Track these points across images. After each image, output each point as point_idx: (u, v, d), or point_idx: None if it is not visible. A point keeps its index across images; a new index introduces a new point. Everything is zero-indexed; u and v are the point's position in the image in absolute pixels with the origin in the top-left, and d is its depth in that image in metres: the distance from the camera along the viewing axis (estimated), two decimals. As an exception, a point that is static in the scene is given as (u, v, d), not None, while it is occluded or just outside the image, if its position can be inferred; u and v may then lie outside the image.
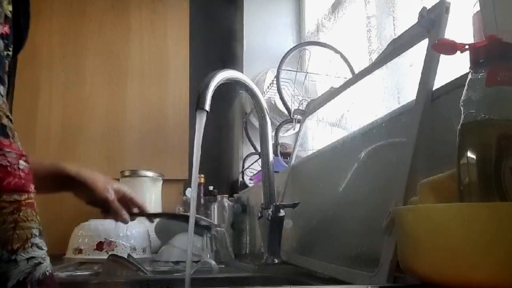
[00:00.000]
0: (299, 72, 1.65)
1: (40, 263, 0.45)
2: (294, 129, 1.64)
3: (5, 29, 0.55)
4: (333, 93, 1.06)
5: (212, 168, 2.01)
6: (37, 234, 0.46)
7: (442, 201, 0.48)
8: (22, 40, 0.68)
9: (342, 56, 1.54)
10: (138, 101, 2.14)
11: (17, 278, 0.43)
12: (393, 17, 1.22)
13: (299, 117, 1.32)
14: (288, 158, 1.36)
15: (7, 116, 0.48)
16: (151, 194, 1.82)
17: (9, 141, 0.46)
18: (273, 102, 1.73)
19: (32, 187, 0.47)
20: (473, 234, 0.40)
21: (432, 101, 0.64)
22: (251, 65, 1.96)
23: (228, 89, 2.07)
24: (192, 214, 0.72)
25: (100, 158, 1.98)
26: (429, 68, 0.64)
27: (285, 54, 1.64)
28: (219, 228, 1.32)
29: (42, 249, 0.46)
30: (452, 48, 0.49)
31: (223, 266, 1.17)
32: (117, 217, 0.91)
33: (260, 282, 0.88)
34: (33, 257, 0.45)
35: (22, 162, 0.46)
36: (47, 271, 0.46)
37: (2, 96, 0.49)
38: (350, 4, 1.54)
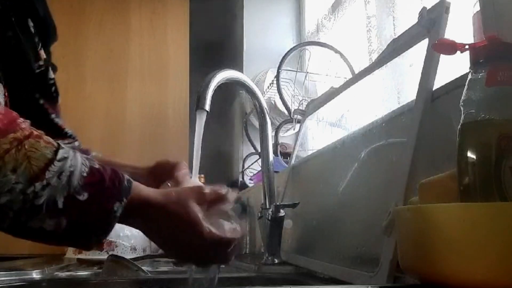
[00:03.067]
0: (299, 72, 1.65)
1: (71, 172, 0.46)
2: (294, 129, 1.64)
3: None
4: (333, 93, 1.06)
5: (212, 168, 2.01)
6: (53, 153, 0.47)
7: (442, 201, 0.48)
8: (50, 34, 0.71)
9: (342, 56, 1.54)
10: (138, 101, 2.14)
11: (63, 195, 0.46)
12: (393, 17, 1.22)
13: (299, 117, 1.32)
14: (288, 158, 1.36)
15: None
16: (151, 194, 1.82)
17: None
18: (273, 102, 1.73)
19: (20, 125, 0.47)
20: (473, 234, 0.40)
21: (432, 101, 0.64)
22: (251, 65, 1.96)
23: (228, 89, 2.07)
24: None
25: (100, 158, 1.97)
26: (429, 68, 0.64)
27: (285, 54, 1.64)
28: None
29: (65, 158, 0.47)
30: (452, 48, 0.49)
31: (223, 266, 1.17)
32: None
33: (260, 282, 0.88)
34: (61, 171, 0.46)
35: None
36: (83, 172, 0.48)
37: None
38: (350, 4, 1.54)
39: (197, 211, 0.54)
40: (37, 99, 0.71)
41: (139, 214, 0.52)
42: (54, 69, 0.72)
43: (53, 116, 0.74)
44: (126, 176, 0.51)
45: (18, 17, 0.64)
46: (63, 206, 0.46)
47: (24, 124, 0.48)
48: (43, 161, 0.46)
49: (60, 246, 0.50)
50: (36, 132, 0.48)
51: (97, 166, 0.50)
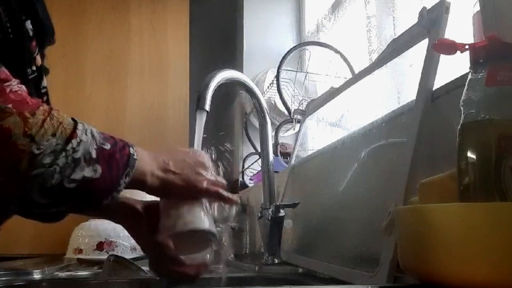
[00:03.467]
0: (299, 72, 1.65)
1: (91, 130, 0.57)
2: (294, 129, 1.64)
3: None
4: (333, 93, 1.06)
5: (212, 168, 2.01)
6: (72, 118, 0.57)
7: (442, 201, 0.48)
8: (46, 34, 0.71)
9: (342, 56, 1.54)
10: (138, 101, 2.14)
11: (94, 147, 0.56)
12: (393, 17, 1.22)
13: (299, 117, 1.32)
14: (288, 158, 1.36)
15: None
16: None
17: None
18: (273, 102, 1.72)
19: (40, 101, 0.58)
20: (473, 234, 0.40)
21: (432, 101, 0.64)
22: (251, 65, 1.96)
23: (228, 89, 2.07)
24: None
25: (100, 158, 1.97)
26: (429, 68, 0.64)
27: (285, 54, 1.64)
28: (219, 228, 1.32)
29: (81, 122, 0.57)
30: (452, 48, 0.49)
31: (223, 266, 1.17)
32: None
33: (260, 282, 0.88)
34: (86, 129, 0.56)
35: (22, 86, 0.56)
36: (97, 131, 0.58)
37: None
38: (350, 4, 1.54)
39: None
40: None
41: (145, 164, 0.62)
42: (46, 72, 0.74)
43: None
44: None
45: (14, 19, 0.64)
46: (96, 155, 0.55)
47: (40, 101, 0.58)
48: (71, 124, 0.56)
49: (98, 200, 0.58)
50: (50, 106, 0.57)
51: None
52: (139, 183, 0.61)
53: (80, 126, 0.56)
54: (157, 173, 0.63)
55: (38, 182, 0.52)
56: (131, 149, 0.60)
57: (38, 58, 0.70)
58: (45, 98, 0.72)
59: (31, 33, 0.67)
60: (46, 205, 0.55)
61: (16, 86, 0.54)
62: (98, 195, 0.57)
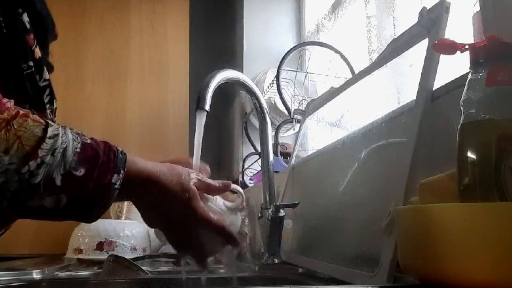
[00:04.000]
0: (299, 72, 1.65)
1: (64, 148, 0.46)
2: (294, 129, 1.64)
3: None
4: (333, 93, 1.06)
5: (212, 168, 2.01)
6: (42, 131, 0.46)
7: (442, 201, 0.48)
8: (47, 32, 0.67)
9: (342, 56, 1.54)
10: (138, 101, 2.14)
11: (59, 173, 0.45)
12: (393, 17, 1.22)
13: (299, 117, 1.32)
14: (288, 158, 1.36)
15: None
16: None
17: None
18: (273, 102, 1.72)
19: (5, 105, 0.47)
20: (473, 234, 0.40)
21: (432, 101, 0.64)
22: (251, 65, 1.96)
23: (228, 89, 2.07)
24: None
25: (100, 158, 1.97)
26: (429, 68, 0.64)
27: (285, 54, 1.64)
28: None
29: (55, 136, 0.46)
30: (452, 48, 0.49)
31: (223, 266, 1.17)
32: None
33: (260, 282, 0.88)
34: (54, 149, 0.46)
35: None
36: (76, 148, 0.47)
37: None
38: (350, 4, 1.54)
39: (193, 191, 0.56)
40: (20, 102, 0.68)
41: (136, 185, 0.52)
42: (51, 69, 0.68)
43: None
44: (119, 148, 0.52)
45: (8, 12, 0.59)
46: (61, 183, 0.45)
47: (9, 103, 0.47)
48: (33, 139, 0.45)
49: (62, 221, 0.50)
50: (22, 111, 0.47)
51: (88, 141, 0.50)
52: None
53: (46, 144, 0.45)
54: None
55: None
56: (115, 176, 0.48)
57: (37, 51, 0.64)
58: (47, 91, 0.65)
59: (28, 26, 0.61)
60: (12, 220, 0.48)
61: None
62: (63, 219, 0.50)
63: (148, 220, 0.59)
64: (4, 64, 0.56)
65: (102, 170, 0.48)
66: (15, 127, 0.45)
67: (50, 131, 0.47)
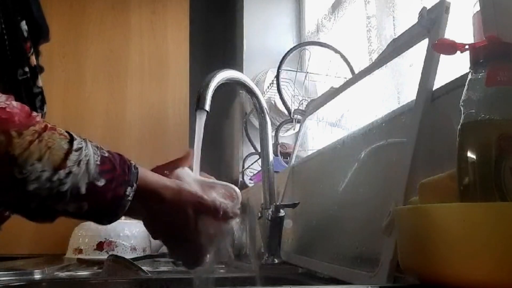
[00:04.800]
0: (299, 72, 1.64)
1: (88, 160, 0.51)
2: (294, 129, 1.64)
3: None
4: (333, 93, 1.06)
5: (212, 168, 2.01)
6: (68, 144, 0.50)
7: (442, 201, 0.48)
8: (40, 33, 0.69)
9: (342, 56, 1.54)
10: (138, 101, 2.14)
11: (84, 182, 0.50)
12: (393, 17, 1.22)
13: (299, 117, 1.32)
14: (288, 158, 1.36)
15: None
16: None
17: None
18: (273, 102, 1.72)
19: (36, 118, 0.51)
20: (473, 234, 0.40)
21: (432, 101, 0.64)
22: (251, 65, 1.96)
23: (228, 89, 2.07)
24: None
25: (100, 158, 1.97)
26: (429, 68, 0.64)
27: (285, 54, 1.64)
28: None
29: (80, 148, 0.51)
30: (452, 48, 0.49)
31: (223, 266, 1.17)
32: None
33: (260, 282, 0.88)
34: (80, 160, 0.50)
35: (12, 102, 0.50)
36: (96, 160, 0.52)
37: None
38: (350, 4, 1.54)
39: (194, 212, 0.59)
40: None
41: (144, 199, 0.56)
42: (41, 71, 0.70)
43: None
44: (132, 162, 0.56)
45: (9, 20, 0.62)
46: (85, 191, 0.50)
47: (38, 117, 0.51)
48: (62, 151, 0.49)
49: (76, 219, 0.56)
50: (49, 124, 0.51)
51: (106, 154, 0.54)
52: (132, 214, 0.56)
53: (73, 155, 0.50)
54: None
55: (15, 204, 0.49)
56: (128, 189, 0.53)
57: (33, 58, 0.67)
58: (39, 98, 0.69)
59: (25, 34, 0.64)
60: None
61: (3, 102, 0.49)
62: (76, 218, 0.55)
63: (151, 231, 0.63)
64: (2, 69, 0.59)
65: (118, 182, 0.53)
66: (46, 138, 0.49)
67: (75, 144, 0.51)
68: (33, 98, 0.67)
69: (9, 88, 0.61)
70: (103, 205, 0.52)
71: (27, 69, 0.65)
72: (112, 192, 0.52)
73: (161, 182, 0.58)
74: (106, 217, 0.54)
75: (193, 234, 0.60)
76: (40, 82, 0.69)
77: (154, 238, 0.64)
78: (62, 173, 0.48)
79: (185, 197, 0.58)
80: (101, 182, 0.51)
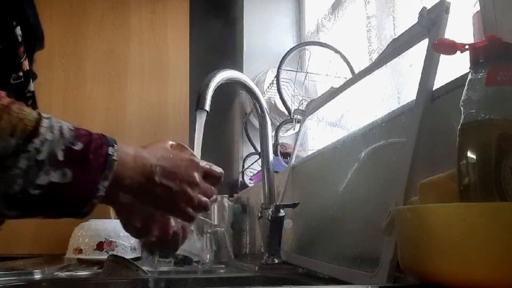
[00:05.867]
0: (299, 72, 1.65)
1: (60, 126, 0.50)
2: (294, 129, 1.64)
3: None
4: (333, 93, 1.06)
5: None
6: (37, 113, 0.50)
7: (442, 201, 0.48)
8: (36, 40, 0.69)
9: (342, 56, 1.54)
10: (138, 101, 2.14)
11: (60, 148, 0.49)
12: (393, 17, 1.22)
13: (299, 117, 1.32)
14: (288, 158, 1.36)
15: None
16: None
17: None
18: (273, 102, 1.72)
19: (1, 93, 0.50)
20: (473, 234, 0.40)
21: (432, 101, 0.64)
22: (251, 65, 1.96)
23: (228, 89, 2.07)
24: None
25: (100, 158, 1.97)
26: (429, 68, 0.64)
27: (285, 54, 1.64)
28: (219, 228, 1.32)
29: (49, 117, 0.50)
30: (452, 48, 0.49)
31: (223, 266, 1.17)
32: None
33: (260, 282, 0.88)
34: (52, 126, 0.49)
35: None
36: (69, 126, 0.51)
37: None
38: (350, 4, 1.54)
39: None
40: None
41: (128, 167, 0.55)
42: (34, 78, 0.70)
43: None
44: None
45: (4, 25, 0.62)
46: (63, 158, 0.49)
47: (2, 93, 0.50)
48: (33, 120, 0.48)
49: (73, 208, 0.52)
50: (13, 100, 0.50)
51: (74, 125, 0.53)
52: (117, 186, 0.54)
53: (45, 122, 0.49)
54: (138, 179, 0.56)
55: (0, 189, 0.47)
56: (110, 148, 0.52)
57: (26, 63, 0.67)
58: (30, 102, 0.68)
59: (20, 39, 0.64)
60: (17, 216, 0.50)
61: None
62: (73, 203, 0.51)
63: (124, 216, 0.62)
64: None
65: (97, 143, 0.52)
66: (16, 110, 0.48)
67: (43, 114, 0.50)
68: (25, 102, 0.66)
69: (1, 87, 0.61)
70: (87, 169, 0.50)
71: (21, 73, 0.65)
72: (93, 153, 0.51)
73: (138, 148, 0.58)
74: (96, 182, 0.51)
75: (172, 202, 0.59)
76: (32, 87, 0.69)
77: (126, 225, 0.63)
78: (36, 141, 0.48)
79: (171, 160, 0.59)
80: (78, 146, 0.50)
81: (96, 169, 0.51)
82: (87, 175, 0.50)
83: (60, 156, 0.49)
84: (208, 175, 0.62)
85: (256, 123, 1.77)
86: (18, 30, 0.64)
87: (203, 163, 0.62)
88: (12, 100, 0.49)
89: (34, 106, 0.69)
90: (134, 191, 0.57)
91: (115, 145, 0.54)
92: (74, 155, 0.50)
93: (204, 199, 0.61)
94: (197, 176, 0.60)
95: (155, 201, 0.59)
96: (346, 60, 1.53)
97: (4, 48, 0.62)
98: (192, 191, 0.59)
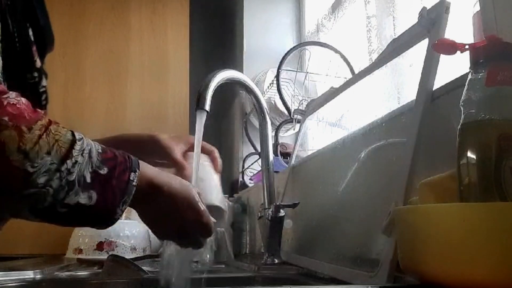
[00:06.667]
0: (299, 72, 1.65)
1: (90, 150, 0.54)
2: (294, 129, 1.64)
3: None
4: (333, 93, 1.06)
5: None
6: (71, 135, 0.53)
7: (442, 201, 0.48)
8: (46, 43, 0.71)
9: (342, 56, 1.54)
10: (138, 101, 2.14)
11: (88, 171, 0.52)
12: (393, 17, 1.22)
13: (299, 117, 1.32)
14: (288, 158, 1.36)
15: None
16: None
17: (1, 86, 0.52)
18: (273, 102, 1.72)
19: (41, 113, 0.54)
20: (473, 234, 0.40)
21: (432, 101, 0.64)
22: (251, 65, 1.96)
23: (228, 89, 2.07)
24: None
25: (100, 158, 1.97)
26: (429, 68, 0.64)
27: (285, 54, 1.64)
28: (219, 228, 1.32)
29: (81, 139, 0.54)
30: (452, 48, 0.49)
31: (223, 266, 1.17)
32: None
33: (260, 282, 0.88)
34: (83, 149, 0.53)
35: (21, 98, 0.52)
36: (98, 149, 0.54)
37: None
38: (350, 4, 1.54)
39: (202, 211, 0.63)
40: None
41: (145, 192, 0.58)
42: (46, 77, 0.73)
43: None
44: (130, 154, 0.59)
45: (19, 28, 0.64)
46: (90, 180, 0.52)
47: (42, 112, 0.54)
48: (67, 142, 0.52)
49: (95, 223, 0.58)
50: (51, 119, 0.54)
51: (103, 145, 0.57)
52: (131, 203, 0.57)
53: (77, 146, 0.52)
54: (147, 191, 0.58)
55: (29, 202, 0.50)
56: (132, 174, 0.56)
57: (38, 61, 0.69)
58: (43, 96, 0.72)
59: (32, 38, 0.67)
60: (37, 221, 0.53)
61: (14, 99, 0.51)
62: (92, 222, 0.56)
63: (153, 228, 0.65)
64: (12, 74, 0.62)
65: (121, 169, 0.55)
66: (53, 131, 0.52)
67: (77, 135, 0.54)
68: (39, 97, 0.70)
69: (18, 87, 0.63)
70: (110, 193, 0.54)
71: (35, 73, 0.68)
72: (116, 179, 0.54)
73: (164, 174, 0.61)
74: (117, 205, 0.55)
75: (198, 213, 0.62)
76: (44, 82, 0.72)
77: (155, 232, 0.66)
78: (69, 163, 0.51)
79: (189, 192, 0.62)
80: (103, 170, 0.53)
81: (117, 194, 0.54)
82: (108, 199, 0.54)
83: (88, 178, 0.52)
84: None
85: (256, 123, 1.77)
86: (30, 31, 0.67)
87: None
88: (50, 120, 0.53)
89: (47, 100, 0.73)
90: (142, 204, 0.60)
91: (137, 170, 0.57)
92: (100, 179, 0.53)
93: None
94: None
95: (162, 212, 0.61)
96: (346, 60, 1.53)
97: (21, 50, 0.64)
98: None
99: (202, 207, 0.63)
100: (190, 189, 0.62)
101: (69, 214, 0.52)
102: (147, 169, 0.59)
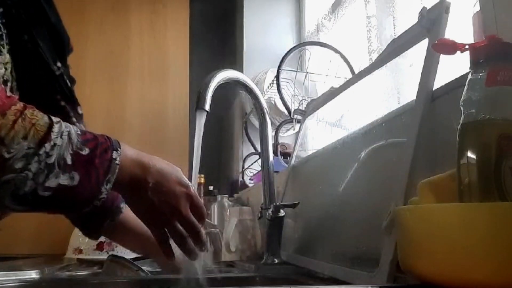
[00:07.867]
0: (299, 72, 1.64)
1: (69, 132, 0.53)
2: (294, 129, 1.64)
3: None
4: (333, 93, 1.06)
5: (212, 168, 2.01)
6: (48, 118, 0.53)
7: (442, 201, 0.48)
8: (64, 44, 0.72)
9: (342, 56, 1.54)
10: (138, 101, 2.14)
11: (69, 152, 0.52)
12: (393, 17, 1.22)
13: (299, 117, 1.32)
14: (288, 158, 1.36)
15: None
16: (151, 194, 1.82)
17: None
18: (273, 102, 1.72)
19: (14, 98, 0.53)
20: (473, 234, 0.40)
21: (432, 101, 0.64)
22: (251, 65, 1.96)
23: (228, 89, 2.07)
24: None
25: (100, 158, 1.97)
26: (429, 68, 0.64)
27: (285, 54, 1.64)
28: (213, 229, 1.32)
29: (59, 122, 0.53)
30: (452, 48, 0.49)
31: (223, 266, 1.17)
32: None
33: (260, 282, 0.88)
34: (61, 132, 0.52)
35: None
36: (77, 131, 0.54)
37: None
38: (350, 4, 1.54)
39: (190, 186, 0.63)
40: (58, 100, 0.74)
41: (132, 170, 0.58)
42: (73, 82, 0.76)
43: (73, 120, 0.77)
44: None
45: (33, 22, 0.66)
46: (71, 161, 0.52)
47: (14, 97, 0.54)
48: (45, 125, 0.51)
49: (80, 206, 0.56)
50: (25, 104, 0.53)
51: (82, 128, 0.58)
52: (117, 185, 0.57)
53: (55, 128, 0.52)
54: (135, 172, 0.58)
55: (9, 188, 0.49)
56: (114, 153, 0.55)
57: (53, 65, 0.70)
58: (74, 85, 0.75)
59: (47, 39, 0.69)
60: (22, 211, 0.53)
61: None
62: (77, 204, 0.54)
63: (145, 217, 0.64)
64: (38, 66, 0.64)
65: (102, 148, 0.55)
66: (29, 116, 0.51)
67: (53, 118, 0.53)
68: (69, 91, 0.74)
69: (48, 82, 0.67)
70: (93, 172, 0.53)
71: (59, 64, 0.69)
72: (99, 157, 0.54)
73: (142, 153, 0.61)
74: (101, 184, 0.54)
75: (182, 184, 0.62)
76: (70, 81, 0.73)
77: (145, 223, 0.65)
78: (47, 146, 0.50)
79: (176, 169, 0.62)
80: (85, 151, 0.53)
81: (101, 173, 0.54)
82: (92, 178, 0.53)
83: (69, 160, 0.52)
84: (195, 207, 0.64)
85: (256, 123, 1.77)
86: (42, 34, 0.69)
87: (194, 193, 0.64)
88: (25, 105, 0.52)
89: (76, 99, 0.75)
90: (131, 188, 0.59)
91: (119, 149, 0.56)
92: (81, 159, 0.53)
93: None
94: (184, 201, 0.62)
95: (150, 199, 0.60)
96: (346, 60, 1.53)
97: (40, 42, 0.66)
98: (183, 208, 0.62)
99: (190, 183, 0.62)
100: (174, 166, 0.62)
101: (53, 197, 0.51)
102: (128, 149, 0.59)
